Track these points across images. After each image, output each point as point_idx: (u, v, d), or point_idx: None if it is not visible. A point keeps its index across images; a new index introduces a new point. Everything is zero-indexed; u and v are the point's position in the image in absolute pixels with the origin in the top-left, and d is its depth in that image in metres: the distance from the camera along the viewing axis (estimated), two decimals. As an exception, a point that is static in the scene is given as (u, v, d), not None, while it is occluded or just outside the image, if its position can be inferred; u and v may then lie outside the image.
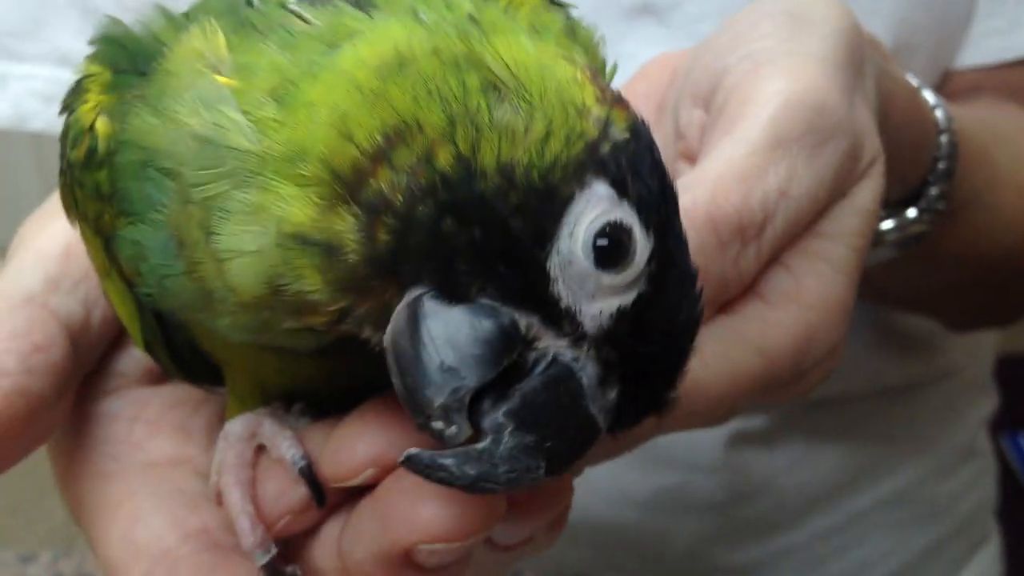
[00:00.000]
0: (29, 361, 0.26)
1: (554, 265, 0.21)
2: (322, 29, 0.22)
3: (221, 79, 0.22)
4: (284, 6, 0.23)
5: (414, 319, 0.21)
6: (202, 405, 0.30)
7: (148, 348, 0.27)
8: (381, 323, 0.22)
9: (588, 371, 0.22)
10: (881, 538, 0.69)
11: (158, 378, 0.31)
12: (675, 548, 0.65)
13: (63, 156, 0.25)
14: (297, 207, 0.21)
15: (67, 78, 0.55)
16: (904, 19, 0.52)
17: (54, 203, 0.31)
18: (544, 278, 0.21)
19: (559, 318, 0.22)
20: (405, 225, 0.21)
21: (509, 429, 0.21)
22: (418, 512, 0.23)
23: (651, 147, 0.22)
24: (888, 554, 0.70)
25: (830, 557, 0.69)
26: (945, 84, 0.56)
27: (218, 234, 0.21)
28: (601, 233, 0.21)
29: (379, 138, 0.20)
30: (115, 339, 0.30)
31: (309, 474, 0.25)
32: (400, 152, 0.20)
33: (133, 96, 0.23)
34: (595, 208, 0.21)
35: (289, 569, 0.26)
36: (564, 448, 0.22)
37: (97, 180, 0.24)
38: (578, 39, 0.26)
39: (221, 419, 0.28)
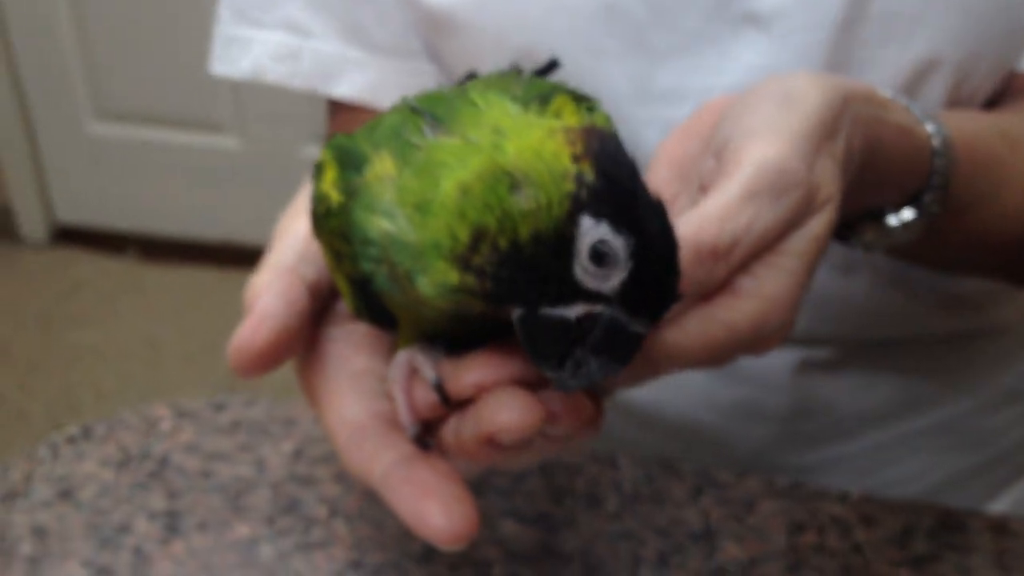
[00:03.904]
0: (289, 309, 0.40)
1: (579, 274, 0.34)
2: (428, 162, 0.36)
3: (394, 196, 0.36)
4: (410, 142, 0.37)
5: (518, 326, 0.35)
6: (384, 337, 0.43)
7: (356, 311, 0.41)
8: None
9: (620, 312, 0.35)
10: (926, 457, 0.79)
11: None
12: (744, 448, 0.77)
13: (314, 207, 0.40)
14: (449, 274, 0.35)
15: (294, 43, 0.69)
16: (971, 33, 0.61)
17: (300, 203, 0.45)
18: (577, 284, 0.34)
19: (594, 297, 0.34)
20: (497, 283, 0.34)
21: (592, 357, 0.35)
22: (498, 415, 0.36)
23: (609, 173, 0.34)
24: (932, 470, 0.79)
25: (878, 467, 0.79)
26: (1010, 83, 0.64)
27: (416, 284, 0.36)
28: (592, 251, 0.34)
29: (468, 240, 0.34)
30: (334, 293, 0.44)
31: (440, 388, 0.38)
32: (481, 246, 0.34)
33: (351, 185, 0.38)
34: (585, 236, 0.33)
35: (428, 440, 0.40)
36: (624, 352, 0.35)
37: (330, 225, 0.39)
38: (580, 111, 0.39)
39: (394, 347, 0.42)
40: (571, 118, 0.39)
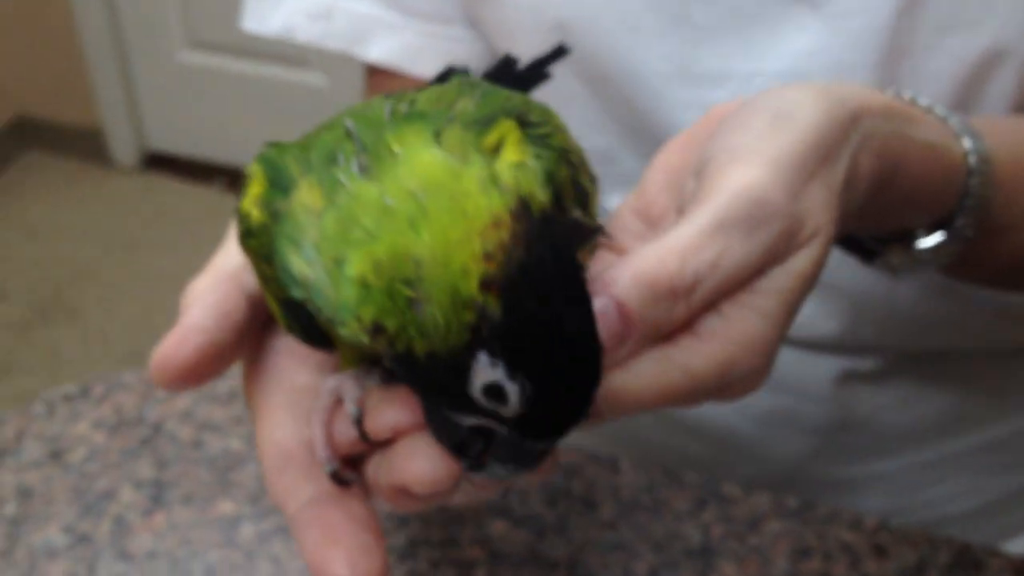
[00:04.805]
0: (221, 322, 0.37)
1: (474, 394, 0.31)
2: (346, 213, 0.32)
3: (316, 239, 0.33)
4: (338, 179, 0.33)
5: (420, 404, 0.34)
6: (328, 354, 0.40)
7: (289, 330, 0.37)
8: None
9: (516, 435, 0.32)
10: (969, 477, 0.74)
11: None
12: (782, 459, 0.73)
13: (238, 222, 0.36)
14: (361, 335, 0.32)
15: (326, 0, 0.66)
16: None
17: None
18: (471, 401, 0.31)
19: (491, 415, 0.32)
20: (396, 365, 0.32)
21: (492, 462, 0.33)
22: (409, 467, 0.34)
23: (518, 309, 0.30)
24: (973, 491, 0.75)
25: (919, 487, 0.74)
26: None
27: (336, 327, 0.33)
28: (484, 389, 0.31)
29: (370, 327, 0.31)
30: None
31: (359, 424, 0.36)
32: (380, 337, 0.31)
33: (275, 208, 0.35)
34: (480, 372, 0.31)
35: (349, 476, 0.37)
36: (525, 464, 0.33)
37: (250, 244, 0.36)
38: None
39: (337, 365, 0.39)
40: (512, 151, 0.35)
